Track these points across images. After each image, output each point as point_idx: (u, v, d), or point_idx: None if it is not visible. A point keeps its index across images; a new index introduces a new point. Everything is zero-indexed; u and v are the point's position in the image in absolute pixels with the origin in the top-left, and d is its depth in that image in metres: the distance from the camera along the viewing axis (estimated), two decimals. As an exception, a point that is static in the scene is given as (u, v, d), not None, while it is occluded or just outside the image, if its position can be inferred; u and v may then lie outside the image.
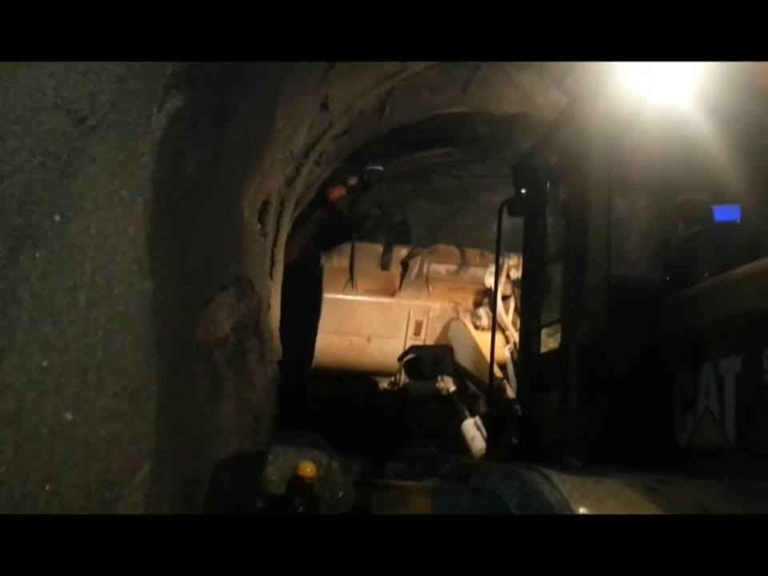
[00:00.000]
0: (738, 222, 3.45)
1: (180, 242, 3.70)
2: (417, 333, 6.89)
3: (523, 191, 4.08)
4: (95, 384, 2.83)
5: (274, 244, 5.50)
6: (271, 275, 5.45)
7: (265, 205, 4.96)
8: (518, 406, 3.94)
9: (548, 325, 3.73)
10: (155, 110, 3.20)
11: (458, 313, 6.62)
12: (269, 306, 5.31)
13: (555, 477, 2.13)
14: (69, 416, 2.75)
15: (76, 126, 2.84)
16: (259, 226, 4.94)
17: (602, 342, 3.04)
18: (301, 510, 6.34)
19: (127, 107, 3.04)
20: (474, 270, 6.80)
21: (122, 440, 2.86)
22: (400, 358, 4.53)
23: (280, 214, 5.48)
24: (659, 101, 3.14)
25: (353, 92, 5.39)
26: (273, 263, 5.49)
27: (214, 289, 4.36)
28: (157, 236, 3.29)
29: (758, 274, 2.47)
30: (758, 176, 3.43)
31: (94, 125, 2.90)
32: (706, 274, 3.00)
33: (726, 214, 3.49)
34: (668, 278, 3.11)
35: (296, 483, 6.50)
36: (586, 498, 2.05)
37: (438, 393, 5.76)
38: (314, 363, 6.96)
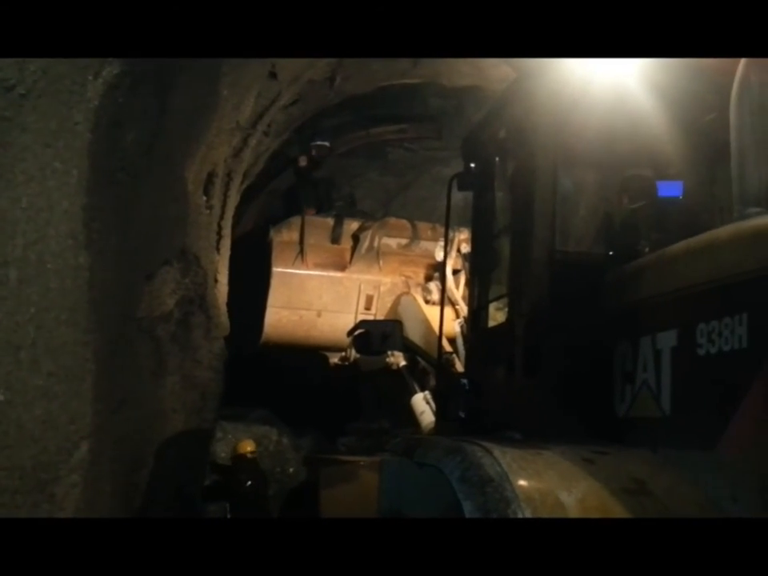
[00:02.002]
0: (680, 197, 3.50)
1: (120, 216, 3.58)
2: (367, 307, 6.85)
3: (472, 165, 4.05)
4: (28, 363, 2.73)
5: (221, 217, 5.38)
6: (218, 249, 5.33)
7: (210, 177, 4.84)
8: (465, 380, 3.95)
9: (495, 299, 3.74)
10: (91, 77, 3.05)
11: (408, 287, 6.61)
12: (216, 281, 5.20)
13: (496, 450, 2.15)
14: (0, 396, 2.65)
15: (3, 94, 2.70)
16: (204, 199, 4.82)
17: (547, 316, 3.06)
18: (249, 483, 6.32)
19: (60, 74, 2.89)
20: (425, 244, 6.78)
21: (58, 420, 2.77)
22: (349, 333, 4.48)
23: (227, 186, 5.35)
24: (605, 79, 3.14)
25: (301, 61, 5.26)
26: (220, 237, 5.37)
27: (157, 263, 4.24)
28: (93, 209, 3.17)
29: (693, 250, 2.51)
30: (700, 153, 3.48)
31: (23, 93, 2.76)
32: (647, 249, 3.04)
33: (668, 189, 3.52)
34: (611, 252, 3.13)
35: (239, 461, 6.46)
36: (524, 471, 2.07)
37: (388, 368, 5.76)
38: (263, 338, 6.86)
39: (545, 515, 1.98)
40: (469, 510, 2.04)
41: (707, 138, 3.37)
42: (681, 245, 2.62)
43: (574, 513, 1.99)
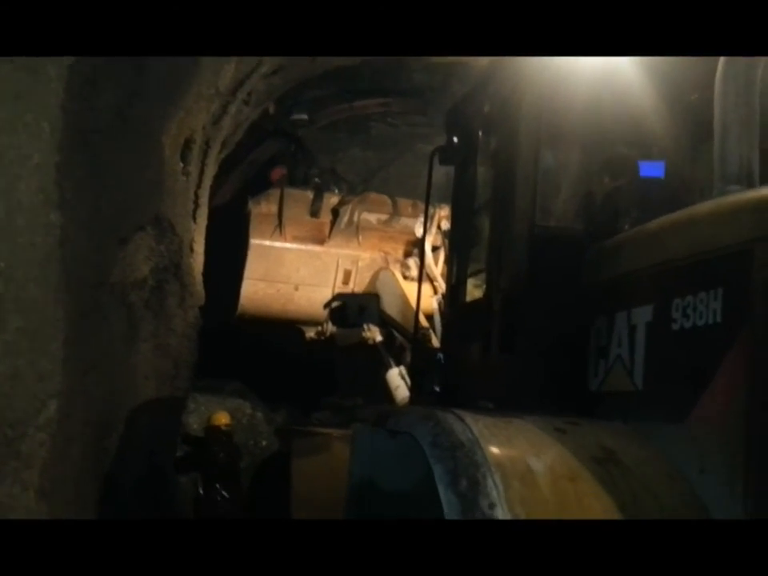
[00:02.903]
0: (662, 178, 3.50)
1: (93, 177, 3.51)
2: (345, 282, 6.82)
3: (455, 139, 4.02)
4: (-5, 317, 2.67)
5: (198, 185, 5.29)
6: (194, 217, 5.25)
7: (188, 143, 4.75)
8: (441, 355, 3.96)
9: (474, 275, 3.73)
10: (66, 33, 2.95)
11: (387, 263, 6.59)
12: (191, 249, 5.13)
13: (468, 417, 2.15)
14: (-34, 351, 2.59)
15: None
16: (181, 165, 4.73)
17: (525, 291, 3.06)
18: (221, 456, 6.30)
19: (35, 29, 2.79)
20: (405, 220, 6.76)
21: (26, 377, 2.72)
22: (326, 305, 4.47)
23: (205, 154, 5.26)
24: (591, 57, 3.12)
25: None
26: (197, 205, 5.29)
27: (131, 229, 4.17)
28: (66, 167, 3.09)
29: (669, 226, 2.52)
30: (684, 133, 3.48)
31: (-6, 43, 2.66)
32: (627, 226, 3.04)
33: (651, 169, 3.52)
34: (590, 229, 3.13)
35: (212, 433, 6.44)
36: (495, 437, 2.08)
37: (364, 342, 5.75)
38: (239, 310, 6.82)
39: (514, 480, 1.98)
40: (439, 473, 2.04)
41: (691, 118, 3.37)
42: (659, 221, 2.62)
43: (543, 479, 2.00)
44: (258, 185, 7.11)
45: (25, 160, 2.77)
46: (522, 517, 1.93)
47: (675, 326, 2.31)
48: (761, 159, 2.56)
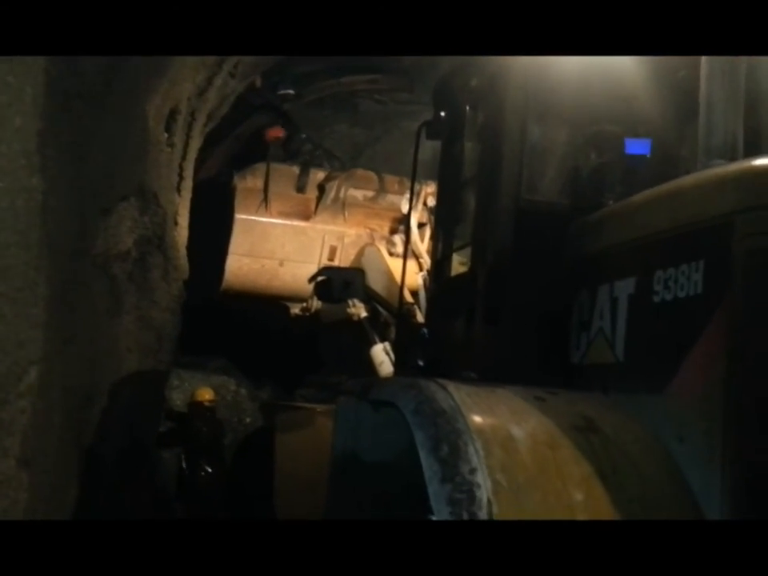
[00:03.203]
0: (648, 155, 3.50)
1: (76, 143, 3.46)
2: (331, 258, 6.80)
3: (442, 114, 3.99)
4: (-26, 281, 2.63)
5: (183, 158, 5.23)
6: (179, 190, 5.20)
7: (173, 113, 4.69)
8: (425, 330, 3.96)
9: (459, 249, 3.73)
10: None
11: (373, 239, 6.57)
12: (176, 223, 5.09)
13: (450, 386, 2.17)
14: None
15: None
16: (166, 136, 4.67)
17: (510, 265, 3.07)
18: (205, 431, 6.30)
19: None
20: (391, 197, 6.72)
21: (6, 343, 2.69)
22: (311, 280, 4.45)
23: (190, 127, 5.20)
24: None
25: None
26: (181, 178, 5.23)
27: (114, 199, 4.12)
28: (48, 132, 3.04)
29: (652, 200, 2.53)
30: (670, 110, 3.48)
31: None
32: (611, 202, 3.05)
33: (637, 147, 3.53)
34: (576, 204, 3.14)
35: (196, 408, 6.43)
36: (477, 405, 2.09)
37: (349, 318, 5.74)
38: (223, 286, 6.77)
39: (495, 447, 2.00)
40: (420, 440, 2.05)
41: (678, 96, 3.37)
42: (642, 195, 2.63)
43: (523, 446, 2.02)
44: (245, 159, 7.05)
45: (6, 122, 2.72)
46: (503, 483, 1.95)
47: (657, 299, 2.33)
48: (745, 136, 2.58)
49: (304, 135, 7.75)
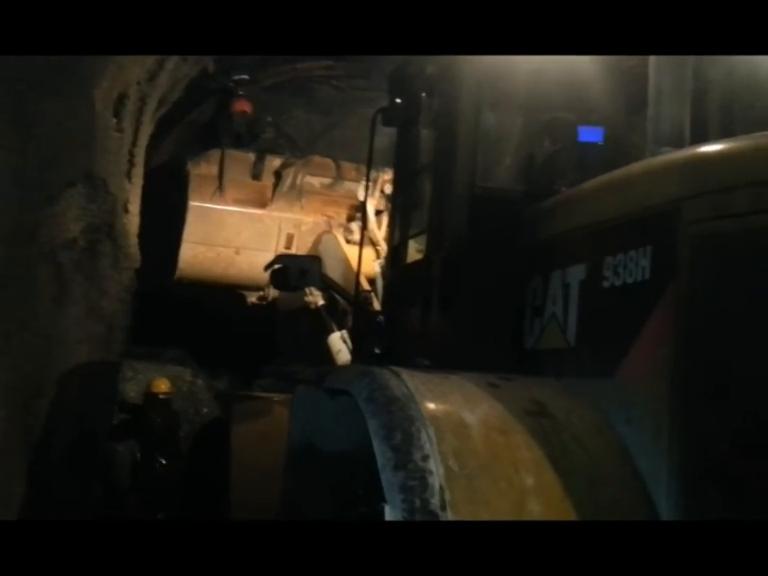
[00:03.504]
0: (601, 143, 3.54)
1: (19, 128, 3.34)
2: (288, 246, 6.73)
3: (398, 100, 3.97)
4: None
5: (134, 144, 5.10)
6: (129, 177, 5.07)
7: (121, 98, 4.56)
8: (381, 317, 3.96)
9: (415, 235, 3.73)
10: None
11: (330, 227, 6.52)
12: (126, 210, 4.96)
13: (404, 373, 2.16)
14: None
15: None
16: (114, 121, 4.55)
17: (464, 252, 3.08)
18: (158, 422, 6.20)
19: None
20: (348, 185, 6.68)
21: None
22: (266, 267, 4.39)
23: (140, 112, 5.06)
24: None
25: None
26: (132, 164, 5.10)
27: (60, 185, 4.00)
28: (-13, 113, 2.92)
29: (603, 186, 2.56)
30: (622, 99, 3.52)
31: None
32: (564, 189, 3.08)
33: (590, 134, 3.56)
34: (530, 191, 3.16)
35: (151, 400, 6.32)
36: (430, 392, 2.10)
37: (306, 307, 5.70)
38: (177, 274, 6.65)
39: (448, 433, 2.00)
40: (374, 428, 2.05)
41: (630, 84, 3.42)
42: (593, 181, 2.66)
43: (476, 432, 2.03)
44: (199, 145, 6.91)
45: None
46: (455, 468, 1.96)
47: (606, 284, 2.36)
48: (693, 124, 2.63)
49: (270, 119, 7.62)
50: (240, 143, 7.00)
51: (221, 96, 6.97)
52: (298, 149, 7.54)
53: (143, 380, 6.93)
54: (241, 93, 6.98)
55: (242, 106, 6.96)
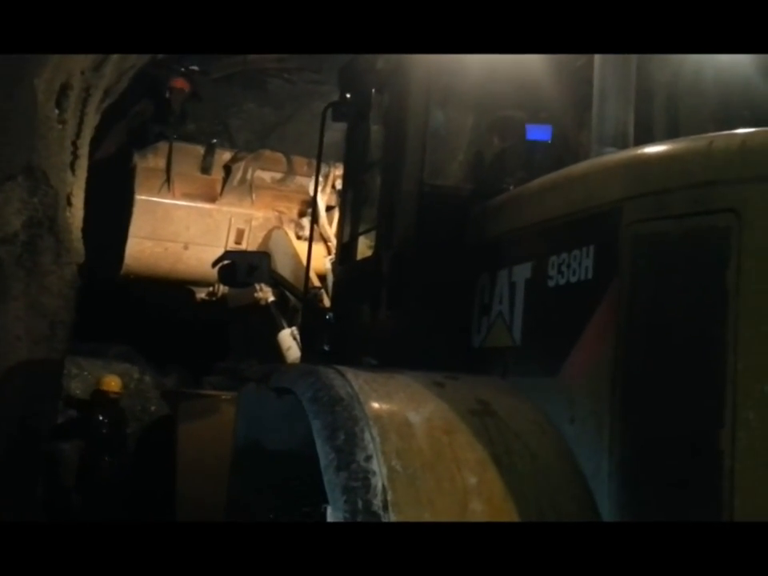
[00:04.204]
0: (549, 141, 3.57)
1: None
2: (238, 241, 6.63)
3: (348, 96, 3.94)
4: None
5: (77, 136, 4.94)
6: (73, 169, 4.91)
7: (64, 89, 4.41)
8: (330, 314, 3.93)
9: (365, 232, 3.70)
10: None
11: (281, 222, 6.45)
12: (69, 203, 4.81)
13: (349, 373, 2.14)
14: None
15: None
16: (57, 112, 4.40)
17: (413, 249, 3.07)
18: (105, 421, 6.05)
19: None
20: (300, 179, 6.62)
21: None
22: (214, 264, 4.30)
23: (84, 103, 4.91)
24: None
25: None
26: (75, 156, 4.94)
27: (-1, 178, 3.85)
28: None
29: (547, 186, 2.58)
30: (570, 98, 3.56)
31: None
32: (512, 187, 3.09)
33: (538, 133, 3.58)
34: (478, 189, 3.16)
35: (100, 397, 6.16)
36: (375, 392, 2.08)
37: (257, 303, 5.63)
38: (123, 270, 6.49)
39: (392, 433, 1.99)
40: (317, 428, 2.02)
41: (577, 84, 3.45)
42: (538, 181, 2.68)
43: (420, 431, 2.02)
44: (145, 137, 6.74)
45: None
46: (398, 468, 1.94)
47: (551, 283, 2.38)
48: (637, 125, 2.66)
49: (201, 99, 7.42)
50: (172, 121, 6.83)
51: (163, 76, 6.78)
52: (233, 138, 7.38)
53: (89, 377, 6.76)
54: (183, 70, 6.82)
55: (180, 83, 6.82)
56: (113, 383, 6.28)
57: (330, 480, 1.94)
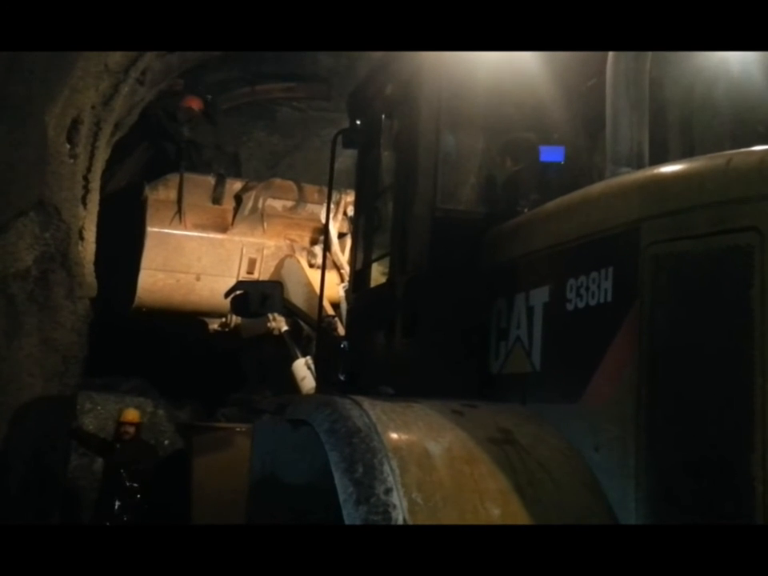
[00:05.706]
0: (562, 163, 3.55)
1: (-36, 155, 3.21)
2: (250, 271, 6.63)
3: (358, 122, 3.95)
4: None
5: (88, 169, 4.97)
6: (84, 203, 4.94)
7: (75, 123, 4.45)
8: (345, 343, 3.89)
9: (378, 259, 3.68)
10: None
11: (293, 250, 6.44)
12: (81, 237, 4.83)
13: (366, 403, 2.09)
14: None
15: None
16: (68, 147, 4.43)
17: (427, 275, 3.03)
18: (125, 454, 6.00)
19: None
20: (311, 207, 6.62)
21: None
22: (227, 294, 4.29)
23: (95, 137, 4.95)
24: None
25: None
26: (87, 190, 4.97)
27: (10, 213, 3.88)
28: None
29: (563, 208, 2.54)
30: (582, 119, 3.54)
31: None
32: (526, 210, 3.06)
33: (551, 154, 3.56)
34: (491, 212, 3.13)
35: (118, 429, 6.13)
36: (393, 422, 2.03)
37: (270, 333, 5.60)
38: (135, 303, 6.48)
39: (411, 465, 1.94)
40: (335, 460, 1.97)
41: (589, 104, 3.43)
42: (554, 203, 2.64)
43: (440, 462, 1.97)
44: (156, 170, 6.79)
45: None
46: (419, 501, 1.89)
47: (570, 306, 2.33)
48: (652, 144, 2.63)
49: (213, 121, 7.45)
50: (183, 146, 6.89)
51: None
52: (239, 167, 7.44)
53: (102, 412, 6.74)
54: (195, 91, 6.91)
55: (191, 102, 6.89)
56: (129, 415, 6.26)
57: (350, 514, 1.89)
